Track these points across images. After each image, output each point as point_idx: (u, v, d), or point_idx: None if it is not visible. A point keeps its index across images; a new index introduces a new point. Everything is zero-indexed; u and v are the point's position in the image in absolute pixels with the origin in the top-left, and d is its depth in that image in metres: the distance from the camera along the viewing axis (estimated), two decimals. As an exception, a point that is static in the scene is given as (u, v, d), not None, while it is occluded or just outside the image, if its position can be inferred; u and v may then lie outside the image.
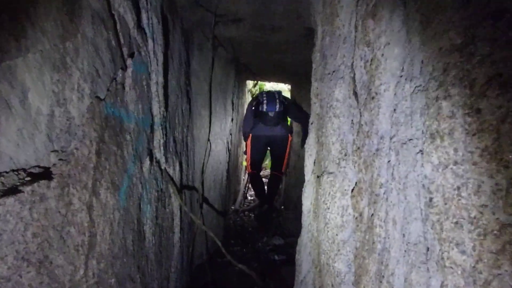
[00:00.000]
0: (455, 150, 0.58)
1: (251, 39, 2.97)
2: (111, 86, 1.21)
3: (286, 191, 5.24)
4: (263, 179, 4.86)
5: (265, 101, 3.65)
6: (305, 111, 3.76)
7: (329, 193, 1.13)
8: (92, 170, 1.08)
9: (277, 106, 3.60)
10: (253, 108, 3.75)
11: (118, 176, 1.25)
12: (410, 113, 0.73)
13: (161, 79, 1.64)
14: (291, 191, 5.09)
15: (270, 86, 7.97)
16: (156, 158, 1.71)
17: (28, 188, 0.84)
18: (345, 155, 1.05)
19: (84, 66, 1.05)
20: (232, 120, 4.13)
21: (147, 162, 1.57)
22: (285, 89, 8.57)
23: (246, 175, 6.10)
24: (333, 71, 1.10)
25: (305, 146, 1.62)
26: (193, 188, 2.67)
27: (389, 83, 0.80)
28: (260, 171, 4.32)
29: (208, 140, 2.82)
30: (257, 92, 6.15)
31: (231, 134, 4.12)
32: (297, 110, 3.87)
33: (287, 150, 4.06)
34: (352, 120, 1.01)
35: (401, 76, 0.78)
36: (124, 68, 1.30)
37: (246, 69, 4.36)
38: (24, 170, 0.85)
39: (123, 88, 1.30)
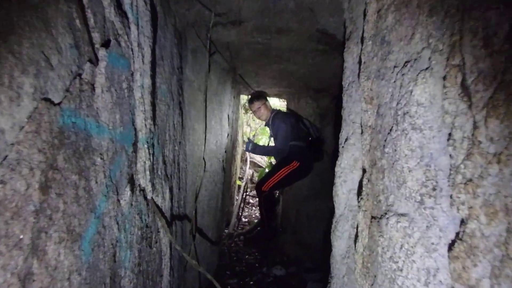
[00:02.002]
0: None
1: (252, 45, 2.64)
2: (72, 84, 0.82)
3: (283, 211, 4.81)
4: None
5: (311, 127, 3.21)
6: None
7: (402, 245, 0.75)
8: (33, 216, 0.67)
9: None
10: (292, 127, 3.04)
11: (79, 219, 0.84)
12: None
13: (147, 82, 1.25)
14: (289, 212, 4.67)
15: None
16: (140, 185, 1.30)
17: None
18: (434, 189, 0.68)
19: (22, 49, 0.66)
20: (227, 136, 3.74)
21: (127, 192, 1.16)
22: (276, 105, 8.27)
23: (241, 195, 5.67)
24: (407, 62, 0.75)
25: (336, 169, 1.25)
26: (185, 217, 2.24)
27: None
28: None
29: (203, 158, 2.42)
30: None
31: (226, 152, 3.71)
32: None
33: None
34: (450, 134, 0.65)
35: None
36: (95, 61, 0.91)
37: (242, 82, 4.02)
38: None
39: (93, 89, 0.91)
